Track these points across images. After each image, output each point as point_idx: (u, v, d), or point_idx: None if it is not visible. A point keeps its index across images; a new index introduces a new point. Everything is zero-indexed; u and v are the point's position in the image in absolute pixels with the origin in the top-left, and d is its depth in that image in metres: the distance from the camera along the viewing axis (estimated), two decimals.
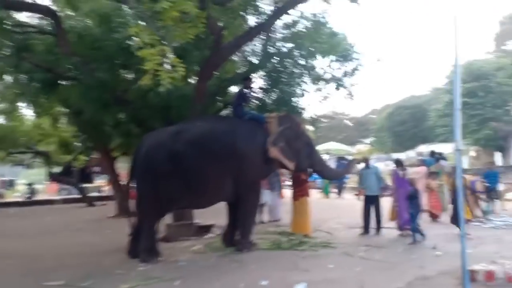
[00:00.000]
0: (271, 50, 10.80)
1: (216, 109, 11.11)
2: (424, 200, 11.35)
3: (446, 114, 26.66)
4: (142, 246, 7.23)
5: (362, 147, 44.12)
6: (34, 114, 16.15)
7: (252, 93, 10.42)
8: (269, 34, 10.71)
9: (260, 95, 10.99)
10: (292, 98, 10.70)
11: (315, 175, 11.12)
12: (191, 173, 7.23)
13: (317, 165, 8.50)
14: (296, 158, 7.88)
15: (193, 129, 7.58)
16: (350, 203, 12.54)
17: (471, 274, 4.96)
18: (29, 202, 22.79)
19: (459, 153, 4.45)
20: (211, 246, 8.19)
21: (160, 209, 7.40)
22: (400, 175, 8.95)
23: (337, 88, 11.30)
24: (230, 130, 7.65)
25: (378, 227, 9.03)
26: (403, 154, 31.39)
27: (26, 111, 16.81)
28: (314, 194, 15.02)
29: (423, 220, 9.36)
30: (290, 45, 10.85)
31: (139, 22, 5.73)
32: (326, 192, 18.76)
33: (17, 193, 28.26)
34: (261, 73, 10.90)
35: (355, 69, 11.19)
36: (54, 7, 9.22)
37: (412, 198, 8.15)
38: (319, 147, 25.95)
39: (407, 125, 35.31)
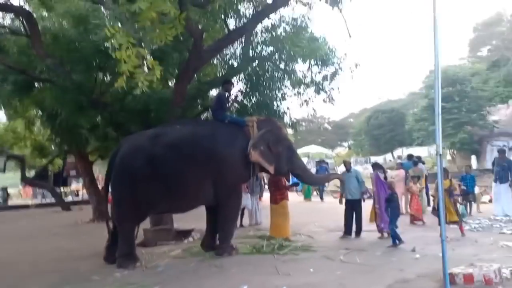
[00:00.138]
0: (252, 53, 10.79)
1: (195, 113, 11.02)
2: (403, 204, 11.57)
3: (422, 118, 27.09)
4: (120, 252, 7.11)
5: (341, 150, 44.56)
6: (7, 117, 15.74)
7: (231, 96, 10.42)
8: (250, 38, 10.70)
9: (240, 99, 10.96)
10: (273, 102, 10.69)
11: (294, 179, 11.11)
12: (170, 177, 7.13)
13: (297, 169, 8.48)
14: (276, 162, 7.85)
15: (172, 133, 7.49)
16: (331, 207, 12.57)
17: (451, 277, 5.00)
18: (3, 207, 22.16)
19: (440, 157, 4.48)
20: (191, 251, 8.10)
21: (138, 213, 7.29)
22: (381, 178, 9.01)
23: (317, 92, 11.35)
24: (210, 134, 7.58)
25: (358, 230, 9.06)
26: (380, 158, 31.84)
27: None
28: (294, 198, 15.04)
29: (404, 222, 9.46)
30: (270, 48, 10.88)
31: (117, 23, 5.62)
32: (308, 195, 18.69)
33: None
34: (241, 76, 10.87)
35: (335, 73, 11.26)
36: (28, 8, 9.00)
37: (390, 201, 8.21)
38: (299, 151, 26.09)
39: (384, 129, 35.72)
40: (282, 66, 10.75)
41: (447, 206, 8.30)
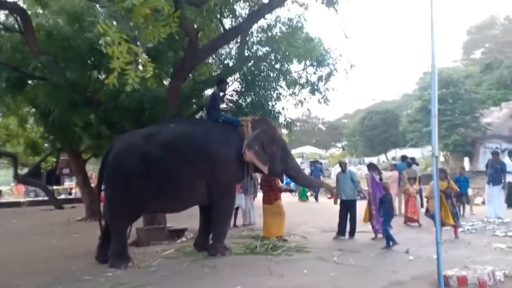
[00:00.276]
0: (247, 53, 10.76)
1: (190, 112, 10.98)
2: (397, 205, 11.59)
3: (416, 119, 27.18)
4: (112, 251, 7.05)
5: (335, 151, 44.61)
6: (0, 114, 15.61)
7: (226, 96, 10.39)
8: (245, 38, 10.67)
9: (235, 98, 10.93)
10: (268, 102, 10.67)
11: (288, 179, 11.10)
12: (163, 176, 7.09)
13: (291, 170, 8.45)
14: (270, 162, 7.82)
15: (166, 132, 7.44)
16: (325, 207, 12.59)
17: (444, 279, 5.00)
18: None
19: (436, 158, 4.47)
20: (184, 251, 8.05)
21: (131, 213, 7.22)
22: (376, 179, 9.00)
23: (312, 93, 11.35)
24: (204, 133, 7.53)
25: (352, 231, 9.05)
26: (374, 159, 31.88)
27: None
28: (289, 198, 15.02)
29: (398, 224, 9.47)
30: (266, 48, 10.85)
31: (112, 21, 5.57)
32: (303, 196, 18.64)
33: None
34: (237, 76, 10.84)
35: (330, 74, 11.26)
36: (22, 5, 8.92)
37: (384, 202, 8.20)
38: (293, 151, 26.11)
39: (378, 130, 35.78)
40: (277, 66, 10.74)
41: (444, 207, 8.31)
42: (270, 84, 10.70)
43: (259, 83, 10.42)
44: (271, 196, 9.39)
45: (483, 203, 12.97)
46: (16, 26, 9.37)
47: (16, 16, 8.96)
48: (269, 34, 10.91)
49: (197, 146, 7.34)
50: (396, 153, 30.63)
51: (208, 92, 10.94)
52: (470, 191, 12.66)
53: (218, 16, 10.10)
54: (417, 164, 14.40)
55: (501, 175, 11.41)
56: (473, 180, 16.29)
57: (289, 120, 11.44)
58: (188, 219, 10.06)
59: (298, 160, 22.56)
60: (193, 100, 10.95)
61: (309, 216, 12.55)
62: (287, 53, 10.50)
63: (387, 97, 53.92)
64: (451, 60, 39.88)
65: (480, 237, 8.64)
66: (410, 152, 21.19)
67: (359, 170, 21.85)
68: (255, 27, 10.65)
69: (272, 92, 10.83)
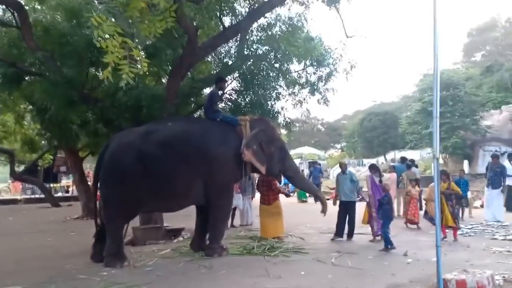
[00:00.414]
0: (246, 52, 10.68)
1: (188, 110, 10.90)
2: (395, 206, 11.51)
3: (415, 121, 27.10)
4: (107, 250, 6.98)
5: (334, 152, 44.58)
6: None
7: (225, 95, 10.31)
8: (245, 36, 10.60)
9: (234, 97, 10.85)
10: (267, 101, 10.59)
11: (286, 180, 11.02)
12: (160, 175, 7.00)
13: (289, 171, 8.37)
14: (268, 162, 7.74)
15: (163, 130, 7.36)
16: None
17: (443, 283, 4.93)
18: None
19: (437, 160, 4.40)
20: (180, 251, 7.99)
21: (127, 212, 7.15)
22: (376, 181, 8.91)
23: (311, 93, 11.28)
24: (202, 132, 7.46)
25: (350, 233, 8.98)
26: (373, 160, 31.83)
27: None
28: (288, 198, 14.90)
29: (396, 226, 9.39)
30: (265, 47, 10.78)
31: (110, 17, 5.49)
32: (303, 196, 18.46)
33: None
34: (236, 75, 10.76)
35: (330, 74, 11.19)
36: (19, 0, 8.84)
37: (382, 204, 8.10)
38: (292, 151, 26.03)
39: (377, 131, 35.72)
40: (277, 65, 10.68)
41: (444, 210, 8.24)
42: (270, 84, 10.63)
43: (259, 82, 10.36)
44: (270, 196, 9.33)
45: (482, 206, 12.89)
46: (13, 21, 9.27)
47: (13, 11, 8.86)
48: (269, 33, 10.84)
49: (194, 145, 7.26)
50: (395, 154, 30.60)
51: (207, 90, 10.87)
52: (469, 194, 12.59)
53: (218, 14, 10.02)
54: (416, 166, 14.34)
55: (500, 178, 11.35)
56: (472, 183, 16.24)
57: (288, 120, 11.38)
58: (185, 218, 9.97)
59: (297, 161, 22.51)
60: (192, 99, 10.88)
61: (308, 217, 12.45)
62: (287, 52, 10.44)
63: (386, 99, 53.91)
64: (451, 62, 39.70)
65: (479, 240, 8.58)
66: (409, 154, 21.13)
67: (358, 172, 21.79)
68: (255, 25, 10.60)
69: (271, 92, 10.78)
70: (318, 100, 11.41)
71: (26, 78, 10.21)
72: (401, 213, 11.73)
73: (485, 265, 6.24)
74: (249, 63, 10.45)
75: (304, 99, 11.48)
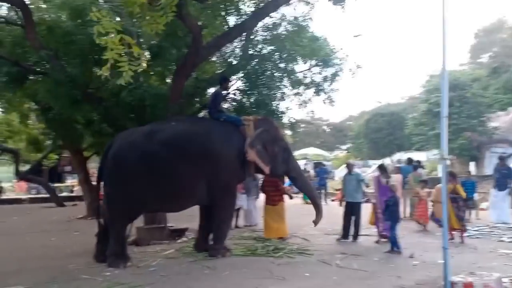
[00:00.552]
0: (251, 52, 10.63)
1: (192, 110, 10.86)
2: (401, 208, 11.39)
3: (422, 123, 26.94)
4: (110, 250, 6.94)
5: (339, 153, 44.39)
6: (2, 110, 15.55)
7: (229, 95, 10.26)
8: (250, 36, 10.55)
9: (238, 97, 10.79)
10: (271, 102, 10.53)
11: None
12: (163, 175, 6.96)
13: (292, 171, 8.30)
14: (272, 162, 7.68)
15: (167, 130, 7.32)
16: (329, 209, 12.38)
17: (451, 285, 4.84)
18: None
19: (445, 162, 4.30)
20: (184, 251, 7.95)
21: (130, 211, 7.10)
22: (383, 182, 8.78)
23: (316, 93, 11.21)
24: (205, 132, 7.41)
25: (356, 234, 8.88)
26: (379, 161, 31.66)
27: None
28: (293, 200, 14.83)
29: (402, 227, 9.28)
30: (270, 47, 10.72)
31: (115, 17, 5.45)
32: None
33: None
34: (240, 75, 10.70)
35: (335, 75, 11.11)
36: None
37: (389, 206, 7.97)
38: (297, 152, 25.94)
39: (383, 133, 35.56)
40: (282, 65, 10.63)
41: (449, 212, 8.11)
42: (274, 84, 10.59)
43: (263, 82, 10.32)
44: (276, 197, 9.26)
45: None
46: (18, 20, 9.27)
47: (18, 10, 8.86)
48: (274, 32, 10.79)
49: (198, 144, 7.21)
50: (401, 156, 30.41)
51: (211, 90, 10.83)
52: (476, 196, 12.45)
53: (223, 13, 9.99)
54: (423, 168, 14.21)
55: (506, 180, 11.22)
56: (478, 184, 16.05)
57: (293, 121, 11.31)
58: (189, 219, 9.93)
59: (302, 162, 22.41)
60: (196, 99, 10.85)
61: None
62: (292, 52, 10.39)
63: (392, 100, 53.59)
64: (458, 64, 39.55)
65: (486, 243, 8.47)
66: (415, 156, 20.95)
67: (364, 173, 21.64)
68: (260, 25, 10.53)
69: (276, 92, 10.73)
70: (323, 101, 11.35)
71: (30, 77, 10.21)
72: (407, 214, 11.60)
73: (492, 267, 6.13)
74: (253, 63, 10.41)
75: (309, 100, 11.41)
